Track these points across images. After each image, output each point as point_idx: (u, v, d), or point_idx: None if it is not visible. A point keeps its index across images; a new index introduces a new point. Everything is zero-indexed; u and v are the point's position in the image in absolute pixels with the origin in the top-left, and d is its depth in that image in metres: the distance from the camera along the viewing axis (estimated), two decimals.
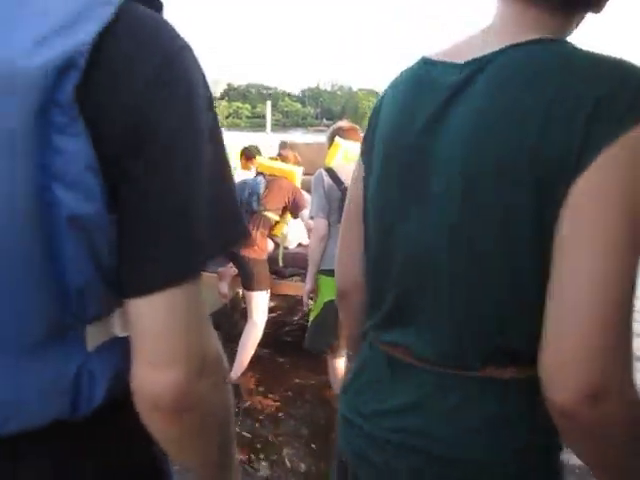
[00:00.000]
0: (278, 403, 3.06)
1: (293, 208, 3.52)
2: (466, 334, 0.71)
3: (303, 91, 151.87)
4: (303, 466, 2.49)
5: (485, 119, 0.67)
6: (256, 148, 5.05)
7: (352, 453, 0.83)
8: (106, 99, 0.49)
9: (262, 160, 3.86)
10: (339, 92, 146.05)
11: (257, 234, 3.41)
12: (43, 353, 0.53)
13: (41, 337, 0.52)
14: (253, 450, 2.56)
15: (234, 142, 5.47)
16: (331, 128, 3.08)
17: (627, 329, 0.57)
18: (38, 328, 0.52)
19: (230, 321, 4.08)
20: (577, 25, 0.73)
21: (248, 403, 3.02)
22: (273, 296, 3.68)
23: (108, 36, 0.48)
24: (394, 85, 0.84)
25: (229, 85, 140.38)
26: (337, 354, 2.91)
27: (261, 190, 3.48)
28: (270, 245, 3.60)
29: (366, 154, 0.87)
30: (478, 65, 0.69)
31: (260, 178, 3.54)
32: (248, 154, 4.74)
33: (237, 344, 3.20)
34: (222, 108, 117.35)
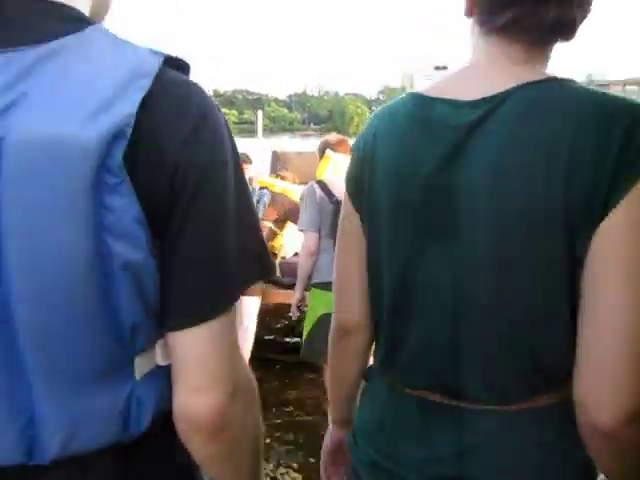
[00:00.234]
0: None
1: (292, 217, 3.66)
2: (505, 368, 0.73)
3: (290, 96, 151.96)
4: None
5: (510, 158, 0.68)
6: (246, 156, 5.18)
7: None
8: (149, 160, 0.55)
9: (265, 179, 4.28)
10: (326, 97, 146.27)
11: None
12: (100, 382, 0.59)
13: (99, 368, 0.58)
14: None
15: None
16: (321, 141, 3.09)
17: None
18: (97, 361, 0.58)
19: None
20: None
21: None
22: (274, 305, 3.67)
23: (148, 104, 0.55)
24: (386, 123, 0.83)
25: (215, 92, 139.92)
26: None
27: (266, 198, 3.67)
28: None
29: (358, 195, 0.86)
30: (492, 103, 0.71)
31: (266, 191, 3.80)
32: None
33: None
34: None
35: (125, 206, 0.54)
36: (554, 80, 0.70)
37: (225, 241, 0.60)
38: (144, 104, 0.54)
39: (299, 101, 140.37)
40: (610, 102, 0.66)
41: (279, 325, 4.53)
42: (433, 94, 0.78)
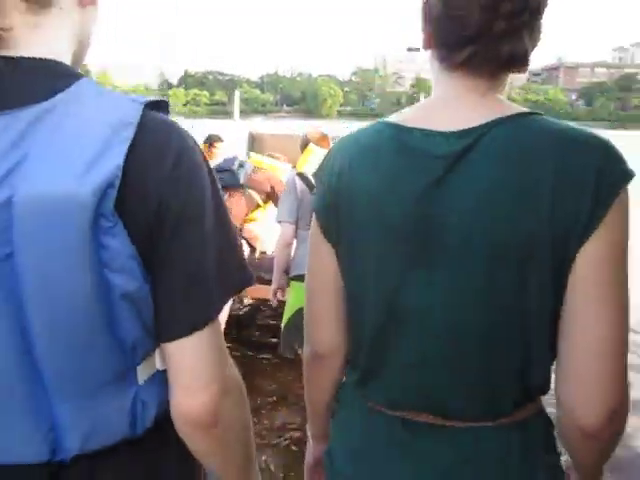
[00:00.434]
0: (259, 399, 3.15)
1: (273, 195, 3.71)
2: (496, 386, 0.78)
3: (262, 77, 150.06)
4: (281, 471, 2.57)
5: (496, 192, 0.73)
6: (217, 136, 5.42)
7: None
8: (135, 201, 0.63)
9: (254, 156, 4.43)
10: (298, 78, 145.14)
11: (237, 199, 3.53)
12: (110, 389, 0.69)
13: (108, 378, 0.68)
14: None
15: (200, 130, 5.72)
16: (303, 135, 3.18)
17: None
18: (106, 372, 0.68)
19: None
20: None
21: None
22: (256, 300, 3.68)
23: (132, 152, 0.62)
24: (361, 153, 0.83)
25: (186, 72, 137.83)
26: None
27: (249, 168, 3.72)
28: (246, 250, 3.65)
29: (332, 229, 0.86)
30: (472, 136, 0.75)
31: (249, 163, 3.95)
32: (210, 141, 5.11)
33: None
34: (179, 95, 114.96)
35: (119, 244, 0.62)
36: (527, 115, 0.76)
37: (206, 261, 0.68)
38: (128, 153, 0.62)
39: (271, 82, 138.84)
40: (582, 139, 0.73)
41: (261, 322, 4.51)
42: (409, 124, 0.80)
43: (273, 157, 4.43)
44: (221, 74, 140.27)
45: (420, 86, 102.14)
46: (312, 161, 2.88)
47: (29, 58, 0.67)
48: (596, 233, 0.70)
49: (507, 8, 0.73)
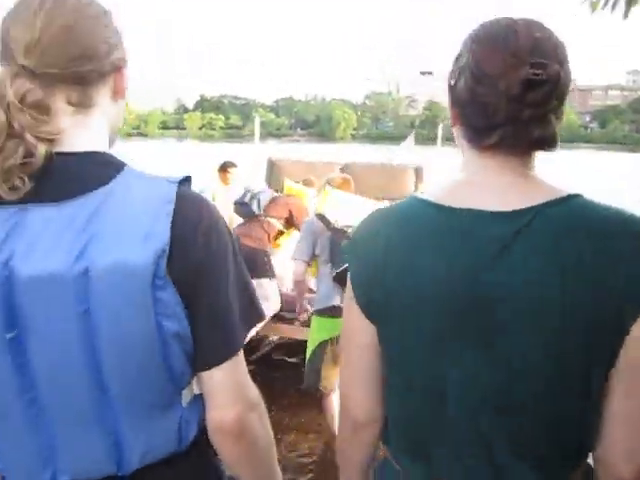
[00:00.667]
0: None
1: (292, 219, 3.72)
2: (552, 455, 0.82)
3: (277, 101, 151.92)
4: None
5: (549, 275, 0.75)
6: (231, 162, 5.58)
7: None
8: (179, 264, 0.81)
9: (288, 183, 4.77)
10: (313, 102, 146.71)
11: (254, 225, 3.58)
12: (162, 411, 0.86)
13: (161, 402, 0.85)
14: None
15: (215, 154, 5.84)
16: (326, 178, 3.46)
17: None
18: (160, 397, 0.85)
19: None
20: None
21: None
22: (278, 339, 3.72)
23: (174, 222, 0.81)
24: (401, 231, 0.84)
25: (202, 96, 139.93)
26: (329, 391, 3.01)
27: (263, 198, 3.77)
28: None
29: (373, 305, 0.87)
30: (525, 218, 0.77)
31: (268, 190, 4.09)
32: (224, 167, 5.40)
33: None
34: (195, 119, 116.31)
35: (169, 297, 0.80)
36: (573, 198, 0.79)
37: (231, 304, 0.87)
38: (172, 224, 0.80)
39: (286, 106, 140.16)
40: (629, 222, 0.77)
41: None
42: (450, 204, 0.82)
43: (309, 182, 4.59)
44: (236, 98, 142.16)
45: (433, 109, 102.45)
46: (329, 202, 3.08)
47: (81, 152, 0.84)
48: None
49: (534, 98, 0.75)
